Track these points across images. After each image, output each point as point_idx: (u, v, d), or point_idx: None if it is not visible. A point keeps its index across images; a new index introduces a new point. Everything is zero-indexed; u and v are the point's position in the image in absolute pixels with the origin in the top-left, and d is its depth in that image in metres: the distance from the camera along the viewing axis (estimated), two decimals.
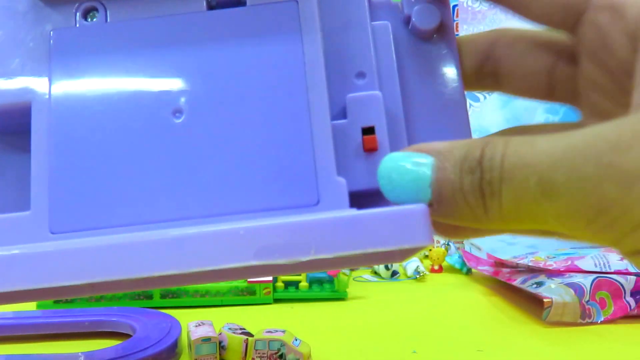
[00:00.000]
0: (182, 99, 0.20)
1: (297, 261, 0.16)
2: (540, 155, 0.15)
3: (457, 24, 0.87)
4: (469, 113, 0.21)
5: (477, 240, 0.67)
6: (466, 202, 0.16)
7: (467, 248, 0.68)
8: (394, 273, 0.64)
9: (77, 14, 0.21)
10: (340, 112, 0.20)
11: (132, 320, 0.44)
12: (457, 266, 0.67)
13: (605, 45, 0.17)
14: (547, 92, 0.21)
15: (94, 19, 0.21)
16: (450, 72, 0.21)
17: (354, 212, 0.17)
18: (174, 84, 0.20)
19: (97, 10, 0.21)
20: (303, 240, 0.16)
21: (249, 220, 0.17)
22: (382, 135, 0.19)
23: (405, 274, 0.65)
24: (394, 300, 0.56)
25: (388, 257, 0.20)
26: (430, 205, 0.17)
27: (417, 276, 0.63)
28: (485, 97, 0.81)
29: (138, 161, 0.19)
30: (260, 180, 0.19)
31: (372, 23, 0.21)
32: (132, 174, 0.19)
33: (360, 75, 0.20)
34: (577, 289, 0.47)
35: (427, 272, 0.64)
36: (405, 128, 0.20)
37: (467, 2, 0.80)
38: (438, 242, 0.73)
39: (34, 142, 0.20)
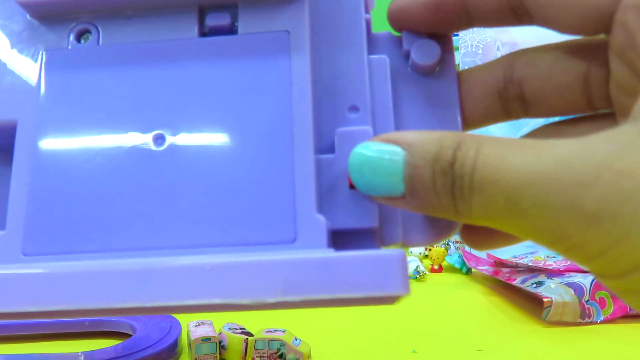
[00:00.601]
0: (166, 126, 0.19)
1: (263, 302, 0.16)
2: (509, 174, 0.15)
3: None
4: None
5: None
6: (439, 200, 0.16)
7: (467, 248, 0.68)
8: None
9: (71, 35, 0.21)
10: (329, 146, 0.19)
11: (132, 319, 0.44)
12: (457, 266, 0.67)
13: (633, 46, 0.17)
14: (585, 102, 0.19)
15: (87, 41, 0.21)
16: (449, 108, 0.20)
17: (327, 253, 0.16)
18: (160, 109, 0.20)
19: (90, 32, 0.21)
20: (270, 280, 0.16)
21: (219, 255, 0.17)
22: None
23: None
24: None
25: (374, 301, 0.19)
26: (403, 197, 0.17)
27: (417, 276, 0.63)
28: None
29: (116, 188, 0.19)
30: (237, 214, 0.18)
31: (370, 56, 0.21)
32: (109, 201, 0.19)
33: (354, 109, 0.20)
34: (577, 289, 0.47)
35: (427, 272, 0.64)
36: None
37: None
38: None
39: (16, 161, 0.20)
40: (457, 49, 0.86)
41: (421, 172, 0.16)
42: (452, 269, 0.68)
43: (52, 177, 0.19)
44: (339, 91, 0.20)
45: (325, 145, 0.19)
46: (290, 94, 0.19)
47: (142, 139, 0.19)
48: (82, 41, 0.21)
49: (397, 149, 0.16)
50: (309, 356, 0.39)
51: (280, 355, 0.37)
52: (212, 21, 0.20)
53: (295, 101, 0.19)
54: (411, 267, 0.64)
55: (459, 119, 0.20)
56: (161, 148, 0.19)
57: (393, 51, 0.21)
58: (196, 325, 0.41)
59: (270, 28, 0.20)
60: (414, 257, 0.68)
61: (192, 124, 0.19)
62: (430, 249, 0.70)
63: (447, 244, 0.73)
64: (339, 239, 0.19)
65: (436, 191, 0.16)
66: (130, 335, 0.42)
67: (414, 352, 0.41)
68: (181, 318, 0.44)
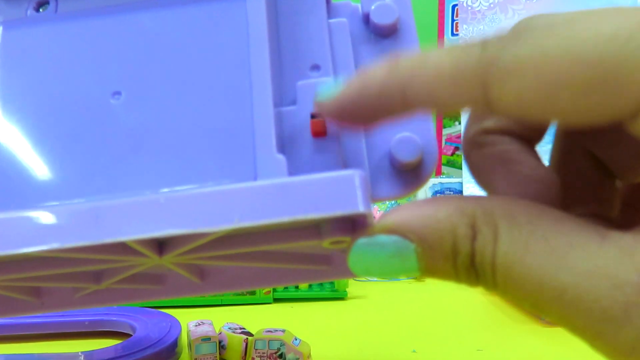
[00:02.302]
0: (125, 81, 0.19)
1: (221, 230, 0.15)
2: (530, 285, 0.14)
3: (456, 23, 0.87)
4: None
5: None
6: (465, 282, 0.15)
7: None
8: None
9: (30, 7, 0.22)
10: (292, 101, 0.19)
11: (132, 319, 0.44)
12: None
13: None
14: None
15: (45, 10, 0.21)
16: None
17: (282, 179, 0.16)
18: (118, 66, 0.20)
19: (49, 3, 0.21)
20: (226, 207, 0.15)
21: (174, 190, 0.17)
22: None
23: None
24: (393, 299, 0.56)
25: (338, 229, 0.18)
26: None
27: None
28: None
29: (70, 142, 0.19)
30: (197, 158, 0.18)
31: (330, 20, 0.21)
32: (63, 154, 0.19)
33: (315, 67, 0.20)
34: None
35: None
36: None
37: (466, 2, 0.80)
38: None
39: None
40: None
41: (440, 266, 0.15)
42: None
43: (9, 134, 0.19)
44: (300, 52, 0.20)
45: (287, 101, 0.20)
46: (248, 43, 0.19)
47: (99, 95, 0.19)
48: (41, 10, 0.22)
49: (406, 243, 0.15)
50: (309, 356, 0.39)
51: (280, 355, 0.37)
52: None
53: (253, 52, 0.19)
54: None
55: None
56: (118, 101, 0.19)
57: (353, 16, 0.22)
58: (196, 325, 0.41)
59: None
60: None
61: (151, 77, 0.19)
62: None
63: None
64: None
65: (459, 278, 0.15)
66: (130, 335, 0.42)
67: (414, 352, 0.41)
68: (181, 318, 0.44)
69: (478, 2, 0.80)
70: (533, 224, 0.14)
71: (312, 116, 0.19)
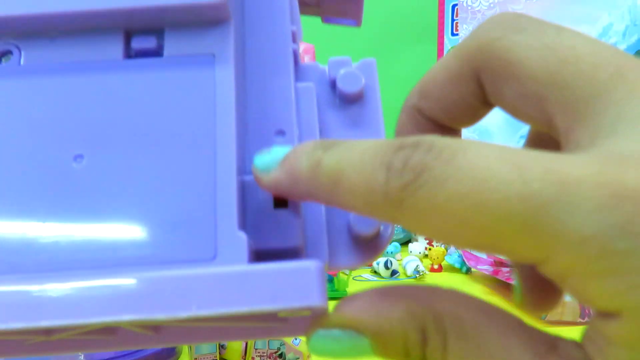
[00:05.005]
0: (87, 146, 0.19)
1: (176, 318, 0.15)
2: None
3: (456, 23, 0.87)
4: None
5: None
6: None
7: None
8: (394, 272, 0.64)
9: None
10: None
11: None
12: (457, 265, 0.67)
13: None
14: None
15: (8, 61, 0.21)
16: (375, 133, 0.22)
17: (240, 267, 0.16)
18: (81, 130, 0.19)
19: (12, 53, 0.21)
20: (184, 294, 0.15)
21: (130, 272, 0.16)
22: None
23: (405, 273, 0.65)
24: None
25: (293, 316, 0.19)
26: None
27: (417, 275, 0.63)
28: None
29: (28, 205, 0.19)
30: (155, 232, 0.18)
31: (297, 84, 0.21)
32: (18, 219, 0.18)
33: (280, 133, 0.21)
34: None
35: (427, 272, 0.64)
36: None
37: (466, 2, 0.80)
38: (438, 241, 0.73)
39: None
40: None
41: (392, 352, 0.16)
42: (452, 269, 0.68)
43: None
44: (267, 115, 0.21)
45: (250, 168, 0.20)
46: (215, 114, 0.19)
47: (60, 158, 0.19)
48: (3, 61, 0.21)
49: (361, 338, 0.16)
50: (309, 355, 0.39)
51: (280, 355, 0.37)
52: (138, 44, 0.21)
53: (219, 122, 0.19)
54: (411, 267, 0.64)
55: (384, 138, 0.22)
56: (78, 167, 0.19)
57: (320, 80, 0.22)
58: None
59: (196, 51, 0.20)
60: (414, 256, 0.68)
61: (113, 143, 0.19)
62: (430, 249, 0.70)
63: None
64: (265, 259, 0.18)
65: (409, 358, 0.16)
66: None
67: None
68: None
69: (478, 2, 0.80)
70: (481, 336, 0.15)
71: None
